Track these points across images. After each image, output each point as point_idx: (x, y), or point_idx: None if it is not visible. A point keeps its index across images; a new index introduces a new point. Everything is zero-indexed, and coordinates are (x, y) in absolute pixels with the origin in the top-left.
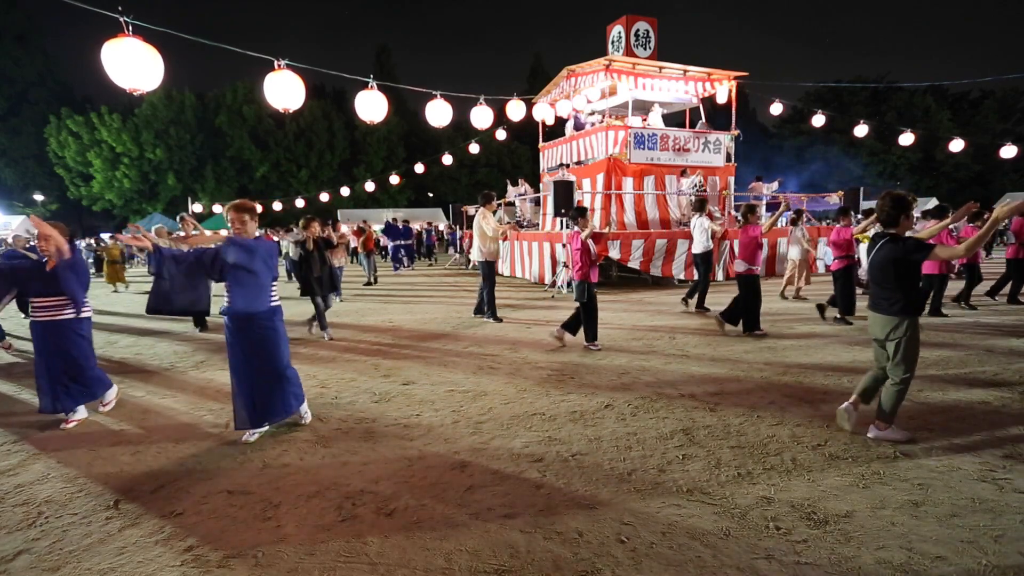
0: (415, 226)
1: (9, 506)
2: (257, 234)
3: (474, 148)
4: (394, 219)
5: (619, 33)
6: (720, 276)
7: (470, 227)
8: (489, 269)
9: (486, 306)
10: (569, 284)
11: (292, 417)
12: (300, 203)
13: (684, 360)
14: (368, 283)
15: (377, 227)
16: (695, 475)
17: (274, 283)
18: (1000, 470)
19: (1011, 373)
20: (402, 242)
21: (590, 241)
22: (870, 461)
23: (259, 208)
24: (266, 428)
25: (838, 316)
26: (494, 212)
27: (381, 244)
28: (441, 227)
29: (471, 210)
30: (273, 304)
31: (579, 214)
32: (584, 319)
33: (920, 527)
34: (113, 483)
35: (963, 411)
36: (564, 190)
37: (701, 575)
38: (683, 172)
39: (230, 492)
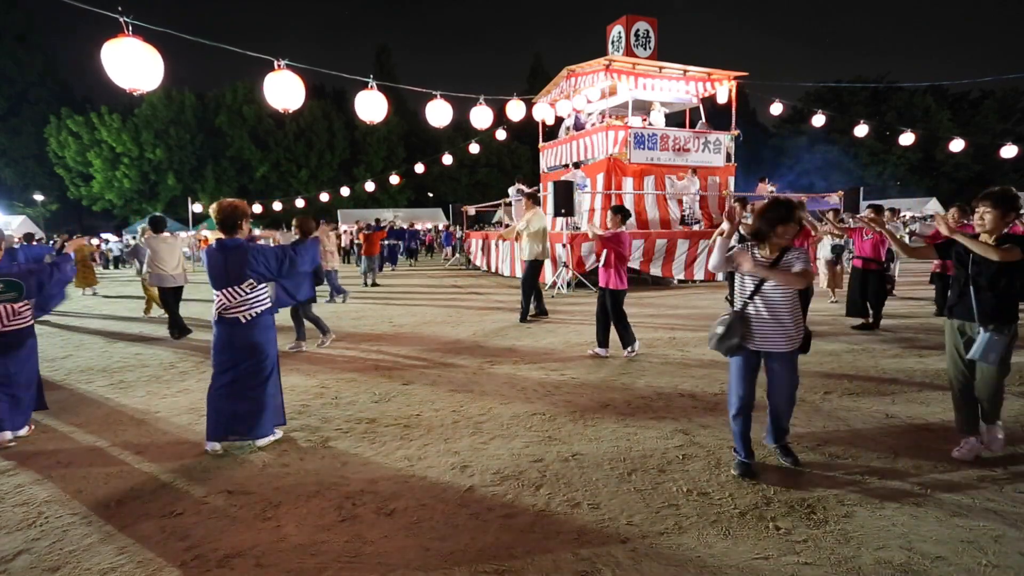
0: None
1: (9, 506)
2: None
3: (474, 148)
4: (376, 220)
5: (619, 33)
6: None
7: (471, 227)
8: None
9: (532, 306)
10: (569, 284)
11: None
12: (300, 203)
13: (684, 360)
14: (367, 284)
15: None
16: (695, 475)
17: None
18: (1000, 470)
19: (1010, 380)
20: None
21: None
22: (870, 461)
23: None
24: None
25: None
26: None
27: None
28: (440, 227)
29: (471, 210)
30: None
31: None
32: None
33: (920, 527)
34: (114, 483)
35: None
36: (564, 190)
37: (701, 575)
38: (694, 171)
39: (230, 492)
